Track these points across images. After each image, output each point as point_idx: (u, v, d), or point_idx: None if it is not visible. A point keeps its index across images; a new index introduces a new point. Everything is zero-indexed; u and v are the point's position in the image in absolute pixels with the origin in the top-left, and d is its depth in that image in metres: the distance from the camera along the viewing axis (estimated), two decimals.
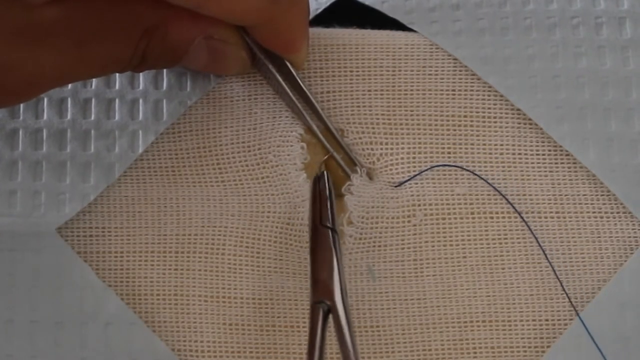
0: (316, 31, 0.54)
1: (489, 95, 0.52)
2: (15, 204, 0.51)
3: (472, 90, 0.53)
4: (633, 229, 0.51)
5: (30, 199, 0.51)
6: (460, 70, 0.53)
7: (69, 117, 0.52)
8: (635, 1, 0.54)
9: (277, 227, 0.51)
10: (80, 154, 0.52)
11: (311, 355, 0.44)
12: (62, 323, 0.49)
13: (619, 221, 0.51)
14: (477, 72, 0.52)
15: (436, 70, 0.53)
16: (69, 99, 0.52)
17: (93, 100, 0.52)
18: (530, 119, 0.52)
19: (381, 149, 0.52)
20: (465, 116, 0.52)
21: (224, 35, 0.49)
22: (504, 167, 0.52)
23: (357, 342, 0.44)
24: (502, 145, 0.52)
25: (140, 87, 0.53)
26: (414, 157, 0.52)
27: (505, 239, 0.51)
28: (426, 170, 0.51)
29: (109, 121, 0.52)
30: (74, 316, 0.49)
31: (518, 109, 0.52)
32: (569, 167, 0.51)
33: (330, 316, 0.45)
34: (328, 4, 0.55)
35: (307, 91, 0.51)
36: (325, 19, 0.55)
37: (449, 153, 0.52)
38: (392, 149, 0.52)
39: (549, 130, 0.51)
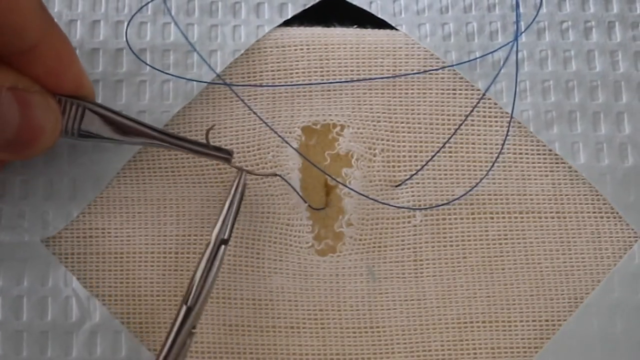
0: (316, 31, 0.54)
1: (489, 95, 0.52)
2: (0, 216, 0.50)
3: (472, 90, 0.53)
4: (633, 230, 0.51)
5: (15, 211, 0.50)
6: (461, 70, 0.53)
7: None
8: (624, 5, 0.54)
9: (277, 228, 0.51)
10: (66, 169, 0.51)
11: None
12: (47, 332, 0.49)
13: (619, 221, 0.51)
14: (465, 76, 0.52)
15: (436, 70, 0.53)
16: None
17: None
18: None
19: (382, 144, 0.52)
20: (465, 116, 0.52)
21: (27, 84, 0.46)
22: (504, 167, 0.52)
23: (178, 345, 0.46)
24: (502, 145, 0.52)
25: (123, 101, 0.52)
26: (415, 156, 0.52)
27: (505, 239, 0.51)
28: (425, 165, 0.52)
29: None
30: (59, 325, 0.49)
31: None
32: (569, 167, 0.51)
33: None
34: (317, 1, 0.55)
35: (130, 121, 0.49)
36: (325, 18, 0.55)
37: (449, 153, 0.52)
38: (392, 145, 0.52)
39: (538, 134, 0.52)
